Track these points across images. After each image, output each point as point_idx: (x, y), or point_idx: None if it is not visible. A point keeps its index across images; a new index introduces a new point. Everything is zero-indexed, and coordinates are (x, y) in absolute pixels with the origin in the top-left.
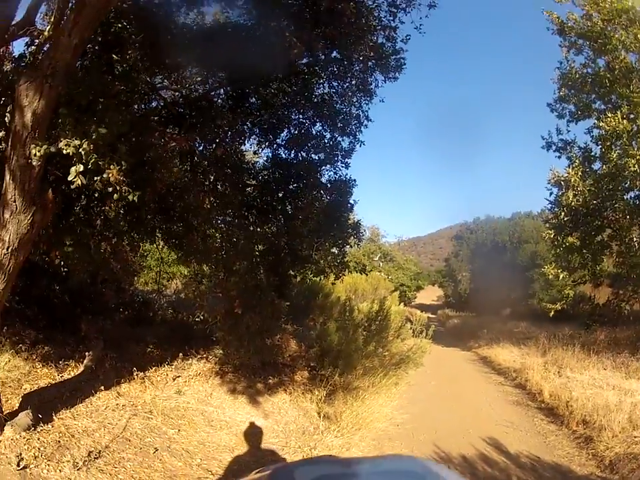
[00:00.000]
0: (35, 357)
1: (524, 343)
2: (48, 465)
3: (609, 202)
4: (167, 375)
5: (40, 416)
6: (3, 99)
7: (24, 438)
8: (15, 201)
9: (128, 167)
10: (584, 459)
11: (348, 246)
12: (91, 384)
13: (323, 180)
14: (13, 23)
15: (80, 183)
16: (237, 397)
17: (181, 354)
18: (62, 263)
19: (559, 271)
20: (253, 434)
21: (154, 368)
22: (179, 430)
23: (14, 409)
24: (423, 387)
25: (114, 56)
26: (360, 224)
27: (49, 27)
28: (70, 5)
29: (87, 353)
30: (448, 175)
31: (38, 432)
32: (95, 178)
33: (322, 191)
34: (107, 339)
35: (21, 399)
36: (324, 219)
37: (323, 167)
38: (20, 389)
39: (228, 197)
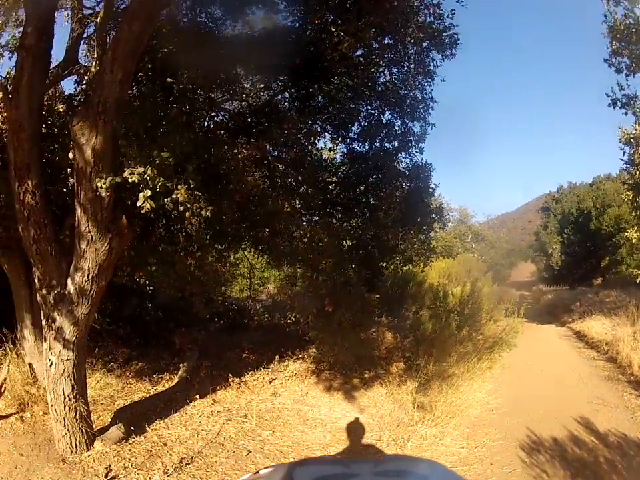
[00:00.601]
0: (128, 374)
1: (615, 313)
2: (138, 473)
3: None
4: (263, 378)
5: (132, 428)
6: (60, 139)
7: (114, 450)
8: (89, 232)
9: (197, 184)
10: None
11: (433, 231)
12: (185, 394)
13: (400, 168)
14: (56, 64)
15: (149, 207)
16: (333, 394)
17: (277, 356)
18: (147, 282)
19: None
20: (347, 430)
21: (250, 372)
22: (273, 431)
23: (106, 425)
24: (516, 368)
25: (168, 79)
26: (442, 207)
27: (94, 62)
28: (108, 40)
29: (181, 365)
30: (527, 146)
31: (130, 444)
32: (165, 200)
33: (400, 179)
34: (202, 349)
35: (113, 414)
36: (406, 207)
37: (399, 155)
38: (113, 405)
39: (310, 197)
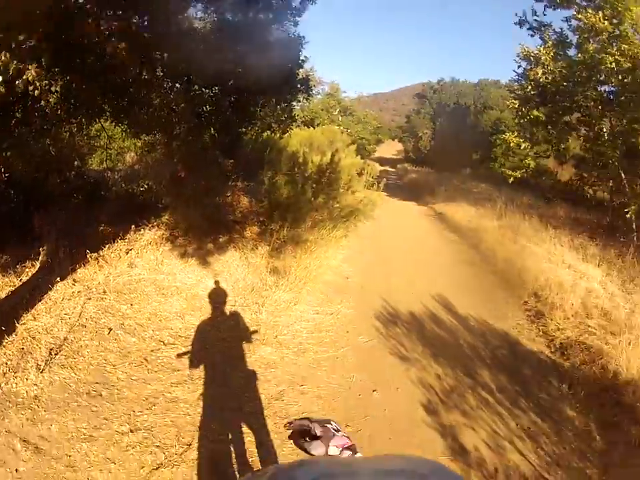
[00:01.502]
0: None
1: (482, 205)
2: (15, 377)
3: (580, 88)
4: (120, 250)
5: (3, 328)
6: None
7: None
8: None
9: (49, 60)
10: (534, 334)
11: (297, 101)
12: (47, 278)
13: (272, 39)
14: None
15: (1, 92)
16: (188, 261)
17: (132, 226)
18: (2, 169)
19: (521, 140)
20: (202, 296)
21: (107, 246)
22: (131, 304)
23: None
24: (374, 239)
25: None
26: (309, 79)
27: None
28: None
29: (41, 249)
30: (414, 29)
31: (4, 346)
32: (17, 82)
33: (270, 50)
34: (61, 228)
35: None
36: (271, 76)
37: (272, 26)
38: None
39: (172, 65)
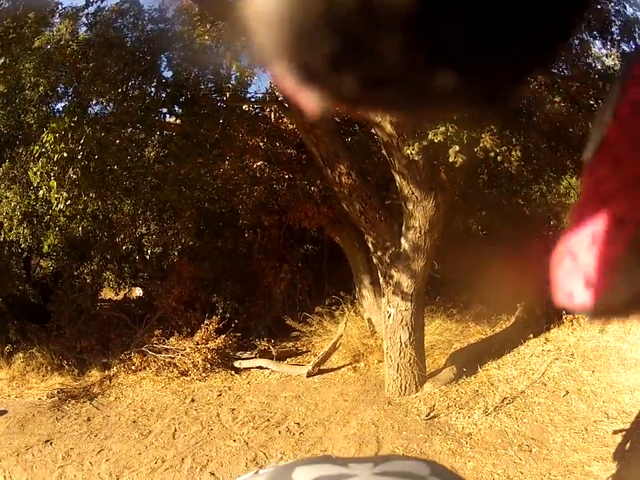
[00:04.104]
0: (467, 318)
1: None
2: (459, 412)
3: None
4: None
5: (464, 370)
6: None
7: (442, 391)
8: (413, 194)
9: (499, 127)
10: None
11: None
12: (521, 333)
13: None
14: None
15: (461, 160)
16: None
17: None
18: (479, 227)
19: None
20: None
21: None
22: (593, 371)
23: (439, 368)
24: None
25: None
26: None
27: None
28: None
29: (518, 304)
30: None
31: (459, 384)
32: (475, 149)
33: None
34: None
35: (447, 358)
36: None
37: None
38: (449, 348)
39: None
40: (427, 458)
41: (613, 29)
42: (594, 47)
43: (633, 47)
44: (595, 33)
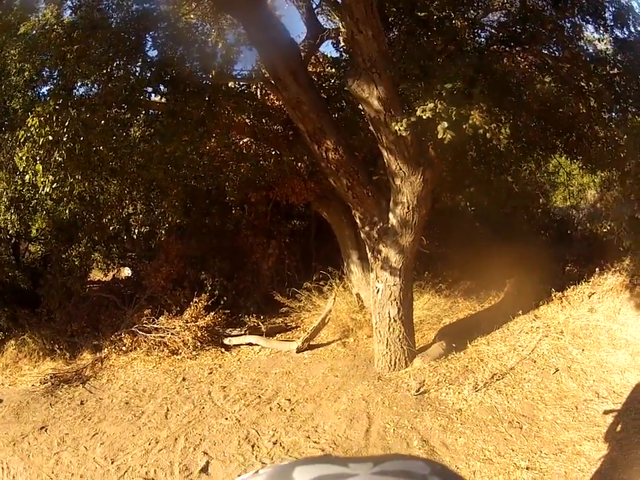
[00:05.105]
0: (456, 293)
1: None
2: (448, 388)
3: None
4: (583, 292)
5: (454, 345)
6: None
7: (432, 367)
8: (400, 169)
9: (488, 104)
10: None
11: None
12: (510, 309)
13: None
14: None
15: (449, 137)
16: None
17: (597, 269)
18: (467, 203)
19: None
20: None
21: (572, 287)
22: (582, 350)
23: (428, 343)
24: None
25: (418, 13)
26: None
27: (340, 24)
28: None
29: (507, 280)
30: None
31: (448, 360)
32: (463, 126)
33: None
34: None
35: (436, 333)
36: None
37: None
38: (439, 323)
39: (598, 94)
40: (426, 457)
41: (606, 15)
42: (586, 30)
43: (627, 33)
44: (588, 17)
